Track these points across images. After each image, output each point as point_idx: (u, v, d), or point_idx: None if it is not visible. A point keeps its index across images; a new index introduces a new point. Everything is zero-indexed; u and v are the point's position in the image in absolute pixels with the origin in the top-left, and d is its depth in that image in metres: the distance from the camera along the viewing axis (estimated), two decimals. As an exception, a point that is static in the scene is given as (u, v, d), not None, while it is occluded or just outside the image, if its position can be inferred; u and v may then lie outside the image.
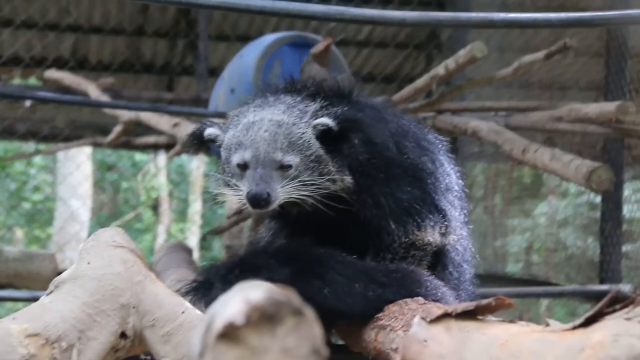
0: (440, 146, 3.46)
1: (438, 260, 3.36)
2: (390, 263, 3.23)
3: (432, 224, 3.24)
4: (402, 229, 3.21)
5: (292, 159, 3.18)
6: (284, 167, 3.19)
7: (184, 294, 3.04)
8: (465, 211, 3.52)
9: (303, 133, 3.19)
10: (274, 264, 3.11)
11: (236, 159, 3.24)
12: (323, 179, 3.18)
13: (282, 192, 3.16)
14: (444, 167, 3.38)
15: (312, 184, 3.17)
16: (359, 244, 3.25)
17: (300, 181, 3.16)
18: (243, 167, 3.23)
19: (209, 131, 3.40)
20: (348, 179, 3.18)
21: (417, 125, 3.52)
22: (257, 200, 3.14)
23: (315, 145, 3.20)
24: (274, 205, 3.18)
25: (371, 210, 3.20)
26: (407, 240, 3.23)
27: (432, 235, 3.26)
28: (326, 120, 3.19)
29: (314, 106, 3.26)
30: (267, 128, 3.20)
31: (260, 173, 3.17)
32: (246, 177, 3.21)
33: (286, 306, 1.35)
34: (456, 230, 3.37)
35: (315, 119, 3.21)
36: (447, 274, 3.37)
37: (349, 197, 3.20)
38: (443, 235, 3.30)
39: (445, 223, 3.29)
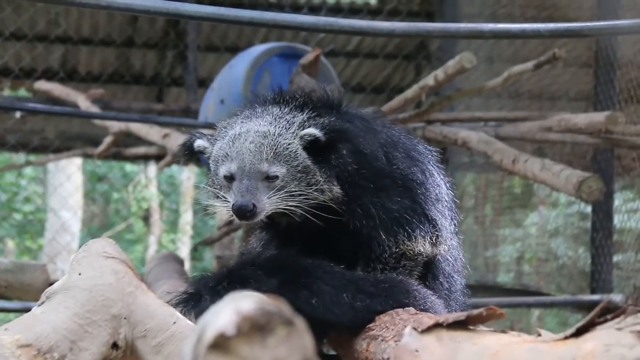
0: (430, 157, 3.45)
1: (428, 270, 3.36)
2: (381, 273, 3.23)
3: (422, 234, 3.24)
4: (392, 239, 3.21)
5: (278, 170, 3.18)
6: (270, 178, 3.19)
7: (174, 306, 3.04)
8: (455, 221, 3.52)
9: (289, 144, 3.19)
10: (261, 274, 3.11)
11: (223, 170, 3.25)
12: (311, 189, 3.17)
13: (268, 203, 3.16)
14: (434, 178, 3.38)
15: (300, 194, 3.17)
16: (349, 254, 3.25)
17: (287, 192, 3.16)
18: (230, 178, 3.24)
19: (198, 143, 3.41)
20: (336, 189, 3.17)
21: (407, 135, 3.51)
22: (243, 212, 3.14)
23: (303, 155, 3.19)
24: (261, 216, 3.18)
25: (361, 220, 3.20)
26: (397, 250, 3.23)
27: (422, 245, 3.25)
28: (313, 131, 3.18)
29: (301, 117, 3.25)
30: (253, 139, 3.20)
31: (246, 184, 3.17)
32: (233, 189, 3.21)
33: (277, 316, 1.35)
34: (447, 241, 3.36)
35: (303, 129, 3.20)
36: (437, 284, 3.37)
37: (338, 207, 3.20)
38: (434, 245, 3.29)
39: (436, 233, 3.28)
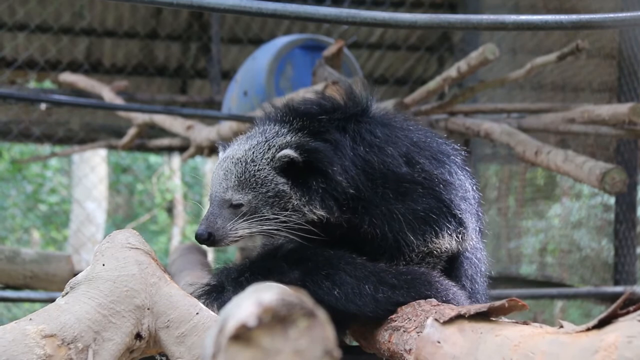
0: (456, 157, 3.40)
1: (451, 271, 3.33)
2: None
3: (449, 231, 3.22)
4: (420, 238, 3.18)
5: (242, 198, 3.19)
6: (234, 206, 3.21)
7: (197, 297, 3.06)
8: (481, 222, 3.48)
9: (259, 170, 3.18)
10: (284, 266, 3.13)
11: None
12: (285, 212, 3.16)
13: (232, 230, 3.19)
14: (459, 177, 3.34)
15: (275, 219, 3.16)
16: (373, 250, 3.24)
17: (258, 217, 3.17)
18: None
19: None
20: (320, 212, 3.13)
21: (434, 136, 3.45)
22: (199, 240, 3.22)
23: (276, 180, 3.18)
24: (227, 242, 3.24)
25: (384, 226, 3.16)
26: (425, 249, 3.22)
27: (449, 242, 3.23)
28: (287, 152, 3.15)
29: (285, 138, 3.22)
30: (226, 167, 3.25)
31: (210, 211, 3.26)
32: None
33: (298, 308, 1.36)
34: (472, 239, 3.34)
35: (280, 151, 3.17)
36: (460, 286, 3.34)
37: (354, 219, 3.18)
38: (459, 242, 3.28)
39: (462, 230, 3.26)
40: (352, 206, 3.16)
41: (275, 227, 3.17)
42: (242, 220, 3.19)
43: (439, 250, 3.23)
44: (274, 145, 3.20)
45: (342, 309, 2.99)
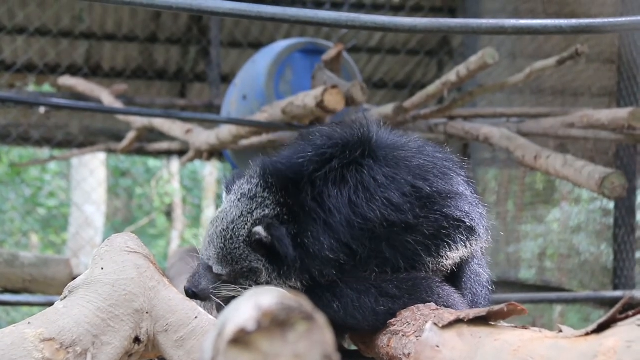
0: (458, 169, 3.34)
1: (453, 278, 3.29)
2: None
3: (462, 242, 3.17)
4: (435, 254, 3.13)
5: (221, 270, 3.21)
6: (216, 274, 3.24)
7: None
8: (487, 239, 3.42)
9: (235, 248, 3.16)
10: None
11: None
12: (261, 284, 3.14)
13: (213, 294, 3.21)
14: (465, 187, 3.29)
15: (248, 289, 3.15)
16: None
17: (234, 286, 3.18)
18: None
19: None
20: (296, 285, 3.08)
21: (439, 152, 3.36)
22: (187, 294, 3.22)
23: (251, 257, 3.15)
24: (211, 302, 3.24)
25: (396, 255, 3.08)
26: (439, 261, 3.17)
27: (463, 252, 3.20)
28: (258, 230, 3.09)
29: (261, 211, 3.14)
30: (211, 234, 3.24)
31: (197, 270, 3.32)
32: None
33: (297, 311, 1.36)
34: (483, 243, 3.29)
35: (255, 225, 3.12)
36: (461, 293, 3.31)
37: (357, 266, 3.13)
38: (470, 248, 3.23)
39: (474, 237, 3.21)
40: (349, 262, 3.07)
41: None
42: (223, 286, 3.22)
43: (452, 261, 3.19)
44: (250, 221, 3.14)
45: (340, 323, 2.99)
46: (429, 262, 3.13)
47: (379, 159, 3.15)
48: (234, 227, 3.18)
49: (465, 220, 3.16)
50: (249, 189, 3.21)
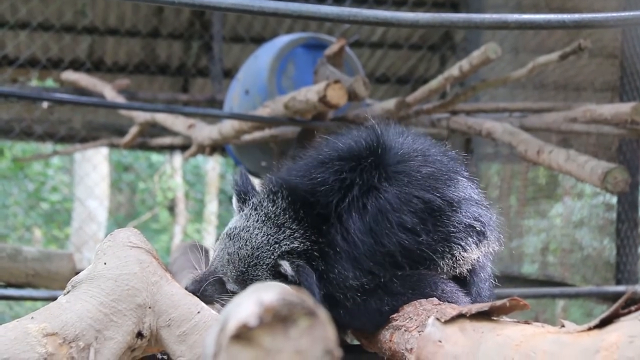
0: (464, 171, 3.34)
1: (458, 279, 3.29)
2: None
3: (475, 243, 3.17)
4: (450, 257, 3.14)
5: (237, 289, 3.19)
6: (229, 290, 3.22)
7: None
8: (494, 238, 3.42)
9: (258, 275, 3.15)
10: None
11: None
12: None
13: (215, 302, 3.20)
14: (473, 189, 3.29)
15: None
16: None
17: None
18: None
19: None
20: None
21: (445, 155, 3.33)
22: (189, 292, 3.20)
23: (270, 280, 3.12)
24: (213, 304, 3.22)
25: (416, 265, 3.10)
26: (453, 262, 3.17)
27: (477, 252, 3.20)
28: (284, 265, 3.08)
29: (288, 243, 3.12)
30: (233, 252, 3.20)
31: (204, 276, 3.24)
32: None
33: (299, 307, 1.36)
34: (493, 244, 3.29)
35: (281, 259, 3.11)
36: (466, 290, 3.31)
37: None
38: (481, 249, 3.24)
39: (485, 239, 3.21)
40: (371, 283, 3.06)
41: None
42: (226, 298, 3.21)
43: (467, 262, 3.19)
44: (278, 252, 3.13)
45: (345, 325, 3.00)
46: (442, 264, 3.13)
47: (391, 179, 3.13)
48: (259, 255, 3.15)
49: (476, 225, 3.16)
50: (274, 213, 3.18)
